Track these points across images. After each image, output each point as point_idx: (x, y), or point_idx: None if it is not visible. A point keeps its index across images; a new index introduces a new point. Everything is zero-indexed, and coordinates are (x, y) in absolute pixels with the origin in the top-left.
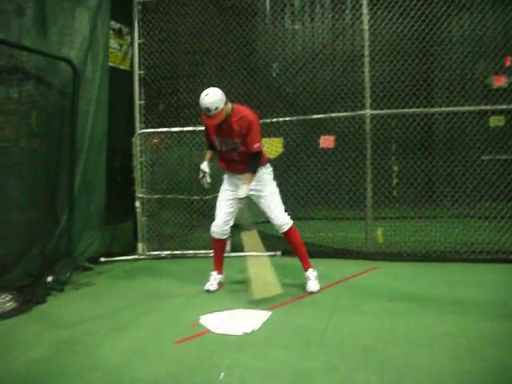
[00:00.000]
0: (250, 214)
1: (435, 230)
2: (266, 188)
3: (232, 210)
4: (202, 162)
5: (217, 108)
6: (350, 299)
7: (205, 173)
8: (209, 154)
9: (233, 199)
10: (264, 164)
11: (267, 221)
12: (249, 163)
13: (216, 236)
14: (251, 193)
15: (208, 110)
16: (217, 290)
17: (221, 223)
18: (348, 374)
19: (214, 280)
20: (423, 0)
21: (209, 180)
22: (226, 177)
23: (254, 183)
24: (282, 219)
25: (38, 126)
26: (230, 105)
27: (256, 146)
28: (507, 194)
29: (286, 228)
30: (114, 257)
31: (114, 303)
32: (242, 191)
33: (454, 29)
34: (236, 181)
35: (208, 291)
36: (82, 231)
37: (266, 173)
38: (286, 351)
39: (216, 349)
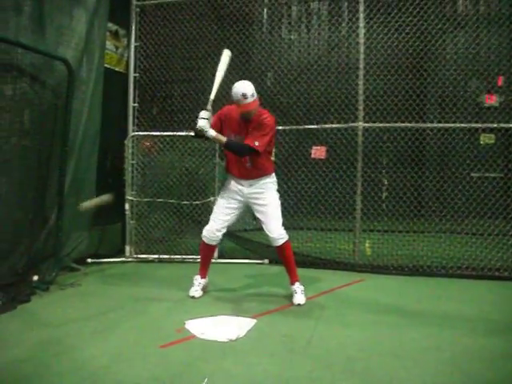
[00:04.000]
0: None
1: (423, 244)
2: (268, 197)
3: (228, 217)
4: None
5: (253, 95)
6: (336, 310)
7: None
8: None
9: (232, 207)
10: (269, 173)
11: (256, 228)
12: (239, 144)
13: (206, 241)
14: (251, 200)
15: (244, 95)
16: (202, 295)
17: (214, 229)
18: None
19: (198, 285)
20: (419, 16)
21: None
22: (229, 183)
23: (252, 190)
24: (278, 232)
25: (31, 124)
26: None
27: (256, 143)
28: (494, 212)
29: (281, 242)
30: (101, 258)
31: (99, 305)
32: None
33: (449, 46)
34: (242, 187)
35: (193, 297)
36: (70, 231)
37: (271, 182)
38: (270, 359)
39: (200, 354)
